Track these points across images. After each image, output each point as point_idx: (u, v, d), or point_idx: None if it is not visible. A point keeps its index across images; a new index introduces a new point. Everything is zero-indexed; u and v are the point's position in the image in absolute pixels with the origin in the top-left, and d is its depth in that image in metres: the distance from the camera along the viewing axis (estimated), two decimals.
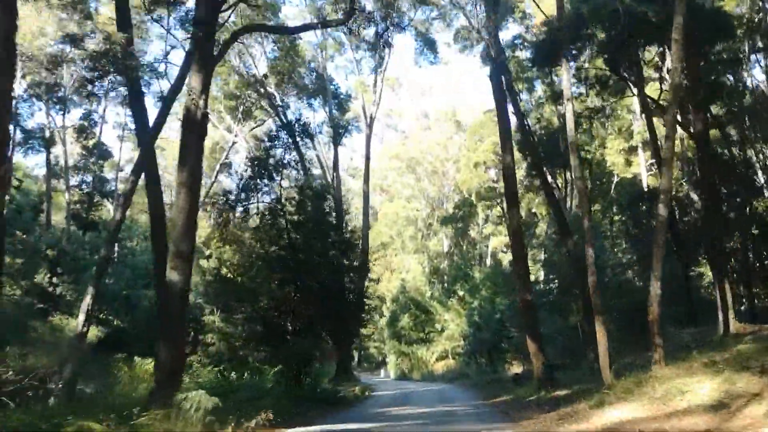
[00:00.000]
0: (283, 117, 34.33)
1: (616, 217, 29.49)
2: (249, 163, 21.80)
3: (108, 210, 45.46)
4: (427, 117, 76.54)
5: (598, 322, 12.46)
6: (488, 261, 57.79)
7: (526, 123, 22.52)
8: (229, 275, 21.77)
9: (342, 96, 36.87)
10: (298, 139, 25.32)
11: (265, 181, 20.89)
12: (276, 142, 21.99)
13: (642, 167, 33.44)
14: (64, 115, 39.89)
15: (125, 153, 41.37)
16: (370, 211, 78.93)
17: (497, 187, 50.59)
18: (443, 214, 64.47)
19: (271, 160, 21.56)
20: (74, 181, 41.62)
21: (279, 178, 21.41)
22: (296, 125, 24.17)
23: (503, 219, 52.23)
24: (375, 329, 65.00)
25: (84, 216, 41.20)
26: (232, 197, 21.13)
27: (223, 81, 34.95)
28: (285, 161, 21.87)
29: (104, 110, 41.89)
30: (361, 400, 21.51)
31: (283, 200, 21.48)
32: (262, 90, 34.83)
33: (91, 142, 41.40)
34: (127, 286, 37.62)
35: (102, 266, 16.98)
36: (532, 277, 37.46)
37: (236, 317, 20.10)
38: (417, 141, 65.75)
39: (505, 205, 26.27)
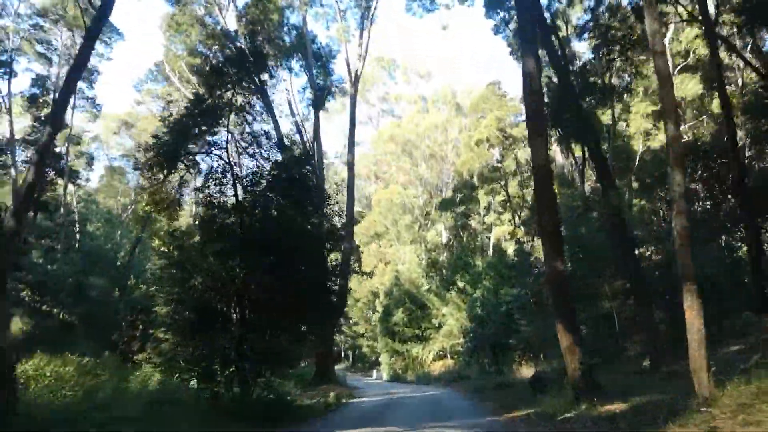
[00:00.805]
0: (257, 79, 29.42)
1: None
2: (188, 105, 16.78)
3: (69, 189, 40.42)
4: (424, 100, 71.64)
5: (690, 295, 7.55)
6: (490, 253, 52.82)
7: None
8: (163, 249, 16.76)
9: (324, 52, 31.86)
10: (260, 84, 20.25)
11: (207, 126, 15.87)
12: (224, 77, 16.97)
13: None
14: (9, 80, 35.00)
15: (78, 122, 36.07)
16: (362, 199, 73.97)
17: (501, 167, 45.65)
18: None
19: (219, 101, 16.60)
20: (23, 157, 36.63)
21: (226, 122, 16.41)
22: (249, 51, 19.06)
23: (507, 205, 47.35)
24: (368, 326, 60.19)
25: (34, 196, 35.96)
26: (167, 147, 16.07)
27: (185, 34, 29.94)
28: (236, 102, 16.87)
29: (58, 75, 36.87)
30: (330, 411, 16.58)
31: (232, 153, 16.53)
32: (231, 46, 29.82)
33: (44, 112, 36.54)
34: (77, 273, 32.76)
35: (6, 245, 11.85)
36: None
37: (167, 299, 15.08)
38: (414, 123, 60.74)
39: (526, 134, 20.75)
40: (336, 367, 74.51)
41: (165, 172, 15.33)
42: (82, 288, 32.09)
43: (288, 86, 33.59)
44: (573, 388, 10.88)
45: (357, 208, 71.43)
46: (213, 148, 16.22)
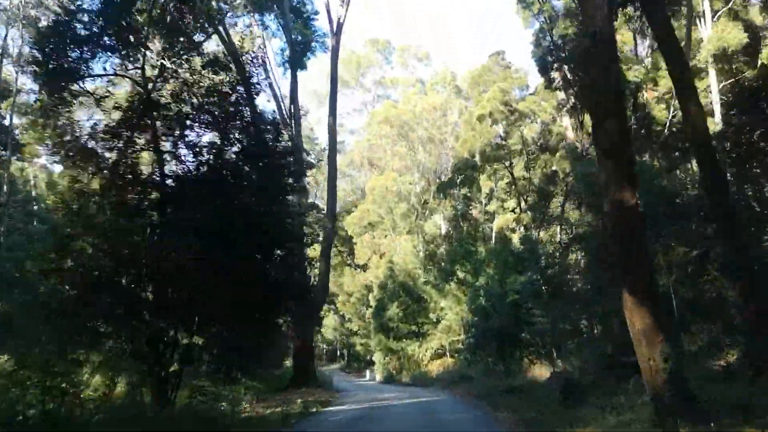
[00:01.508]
0: (225, 36, 25.10)
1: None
2: None
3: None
4: (422, 83, 67.27)
5: None
6: (492, 244, 48.43)
7: None
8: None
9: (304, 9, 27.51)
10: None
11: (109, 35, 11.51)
12: None
13: (714, 93, 23.97)
14: None
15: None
16: (357, 191, 69.48)
17: (506, 145, 41.26)
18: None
19: None
20: None
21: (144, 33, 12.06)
22: None
23: (512, 189, 43.05)
24: (362, 323, 55.85)
25: None
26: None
27: None
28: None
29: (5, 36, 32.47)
30: (286, 426, 12.18)
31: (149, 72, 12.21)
32: None
33: None
34: (20, 261, 28.39)
35: None
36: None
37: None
38: (411, 104, 56.31)
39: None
40: (332, 367, 70.59)
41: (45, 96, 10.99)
42: (26, 279, 27.81)
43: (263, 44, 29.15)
44: (654, 398, 6.57)
45: (349, 198, 67.26)
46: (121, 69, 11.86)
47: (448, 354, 36.60)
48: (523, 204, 42.48)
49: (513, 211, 44.75)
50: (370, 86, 73.57)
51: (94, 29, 11.04)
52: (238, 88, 13.21)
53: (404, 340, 39.25)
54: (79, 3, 11.52)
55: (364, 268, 57.69)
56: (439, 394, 23.63)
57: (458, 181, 42.94)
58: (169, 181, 12.01)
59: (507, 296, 25.58)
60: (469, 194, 46.75)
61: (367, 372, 48.53)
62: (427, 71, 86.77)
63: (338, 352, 78.01)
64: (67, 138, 12.60)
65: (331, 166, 25.67)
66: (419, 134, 55.01)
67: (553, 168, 36.47)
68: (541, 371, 21.48)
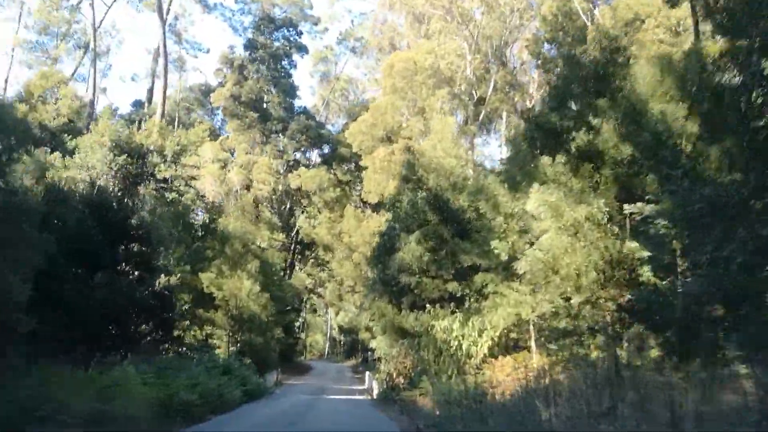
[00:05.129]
0: None
1: None
2: None
3: None
4: None
5: None
6: None
7: None
8: None
9: None
10: None
11: None
12: None
13: None
14: None
15: None
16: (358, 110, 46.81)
17: None
18: (505, 75, 33.08)
19: None
20: None
21: None
22: None
23: None
24: (362, 291, 33.99)
25: None
26: None
27: None
28: None
29: None
30: None
31: None
32: None
33: None
34: None
35: None
36: None
37: None
38: None
39: None
40: (345, 364, 49.47)
41: None
42: None
43: None
44: None
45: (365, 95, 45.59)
46: None
47: (535, 346, 14.71)
48: None
49: None
50: None
51: None
52: None
53: (432, 310, 17.32)
54: None
55: (376, 208, 36.01)
56: None
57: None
58: None
59: None
60: None
61: (367, 376, 26.72)
62: None
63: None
64: None
65: None
66: None
67: None
68: None
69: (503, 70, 33.16)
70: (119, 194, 22.25)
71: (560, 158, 12.88)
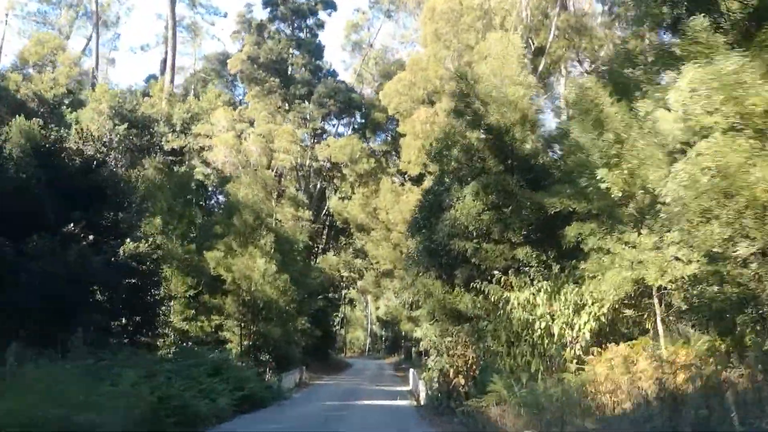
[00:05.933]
0: None
1: None
2: None
3: None
4: None
5: None
6: None
7: None
8: None
9: None
10: None
11: None
12: None
13: None
14: None
15: None
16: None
17: None
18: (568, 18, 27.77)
19: None
20: None
21: None
22: None
23: None
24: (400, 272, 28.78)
25: None
26: None
27: None
28: None
29: None
30: None
31: None
32: None
33: None
34: None
35: None
36: None
37: None
38: None
39: None
40: (388, 361, 45.00)
41: None
42: None
43: None
44: None
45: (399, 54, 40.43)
46: None
47: (659, 324, 9.55)
48: None
49: None
50: None
51: None
52: None
53: (500, 282, 12.28)
54: None
55: (416, 181, 31.09)
56: None
57: None
58: None
59: None
60: None
61: (411, 375, 21.73)
62: None
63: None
64: None
65: None
66: None
67: None
68: None
69: (564, 13, 27.76)
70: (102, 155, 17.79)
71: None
